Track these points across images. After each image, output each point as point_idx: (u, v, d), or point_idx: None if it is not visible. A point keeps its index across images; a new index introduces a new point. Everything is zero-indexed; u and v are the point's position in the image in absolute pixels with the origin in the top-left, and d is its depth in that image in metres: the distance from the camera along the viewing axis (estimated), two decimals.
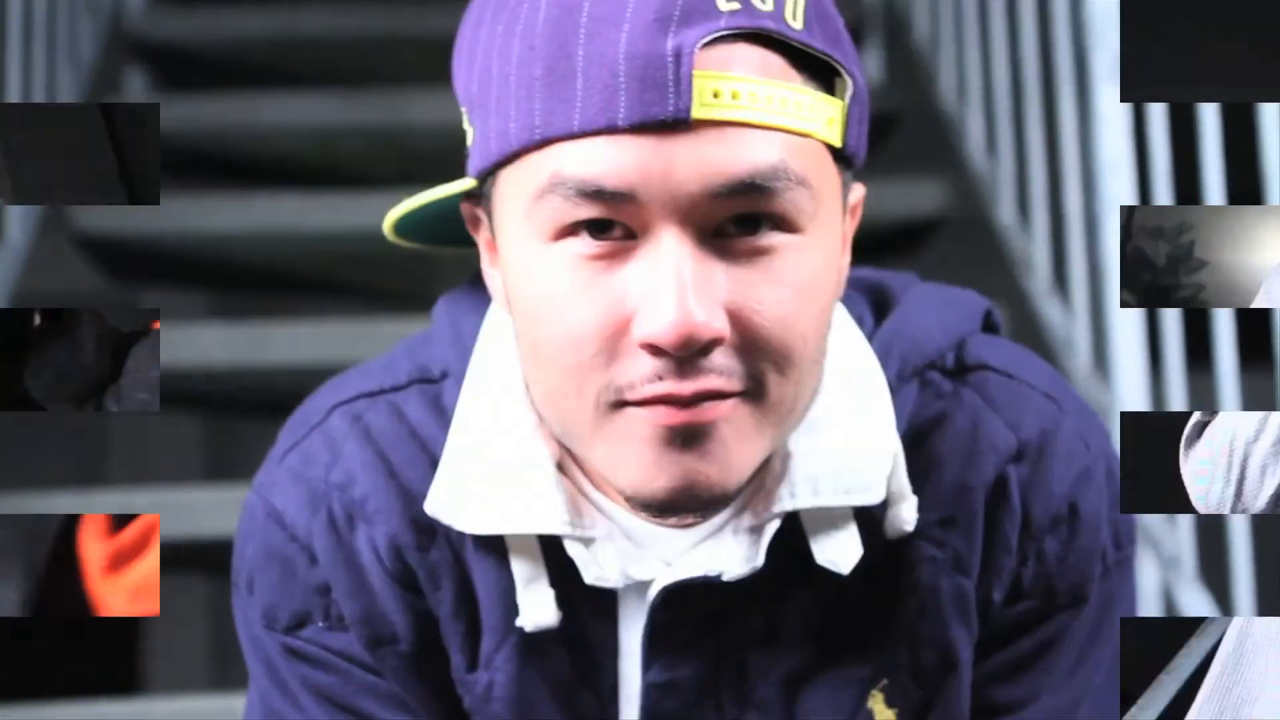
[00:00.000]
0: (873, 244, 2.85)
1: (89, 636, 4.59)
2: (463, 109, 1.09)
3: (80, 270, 3.14)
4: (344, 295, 3.11)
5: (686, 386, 1.01)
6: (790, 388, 1.04)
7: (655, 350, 1.00)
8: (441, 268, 2.77)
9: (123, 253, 2.91)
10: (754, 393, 1.03)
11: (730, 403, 1.02)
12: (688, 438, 1.02)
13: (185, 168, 3.15)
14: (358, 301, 3.16)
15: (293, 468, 1.18)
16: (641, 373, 1.01)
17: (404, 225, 1.16)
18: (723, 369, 1.01)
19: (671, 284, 0.99)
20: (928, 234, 3.01)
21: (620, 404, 1.03)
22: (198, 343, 2.57)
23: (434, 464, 1.15)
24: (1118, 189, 2.22)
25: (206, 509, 2.24)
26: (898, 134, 3.24)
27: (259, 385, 2.64)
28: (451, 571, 1.15)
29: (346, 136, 3.04)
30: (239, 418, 3.21)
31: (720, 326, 1.00)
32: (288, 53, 3.27)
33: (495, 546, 1.14)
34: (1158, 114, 2.14)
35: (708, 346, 1.00)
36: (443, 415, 1.17)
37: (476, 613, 1.15)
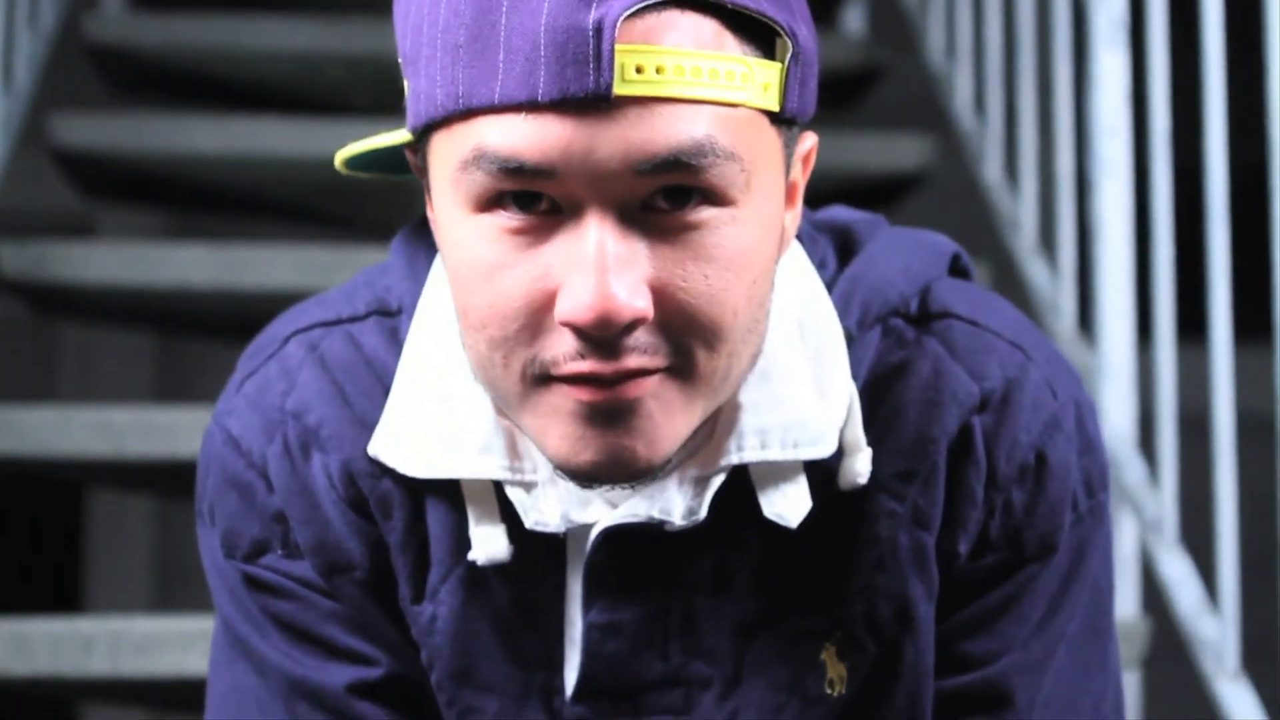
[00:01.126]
0: (854, 199, 2.82)
1: (30, 554, 4.57)
2: (399, 60, 1.07)
3: (57, 186, 3.11)
4: (322, 221, 3.09)
5: (609, 366, 1.00)
6: (721, 361, 1.03)
7: (577, 329, 0.99)
8: (419, 195, 2.74)
9: (100, 169, 2.89)
10: (681, 368, 1.02)
11: (656, 379, 1.01)
12: (612, 414, 1.01)
13: (164, 87, 3.12)
14: (335, 227, 3.14)
15: (249, 395, 1.18)
16: (565, 349, 1.00)
17: (358, 160, 1.15)
18: (647, 347, 1.00)
19: (591, 264, 0.98)
20: (911, 190, 2.99)
21: (546, 378, 1.02)
22: (174, 262, 2.55)
23: (388, 394, 1.15)
24: (1114, 152, 2.20)
25: (179, 428, 2.22)
26: (882, 89, 3.21)
27: (234, 308, 2.62)
28: (403, 502, 1.14)
29: (328, 62, 3.02)
30: (212, 339, 3.18)
31: (642, 306, 0.98)
32: None
33: (447, 481, 1.13)
34: (1159, 77, 2.11)
35: (631, 325, 0.99)
36: (399, 347, 1.16)
37: (426, 544, 1.14)
